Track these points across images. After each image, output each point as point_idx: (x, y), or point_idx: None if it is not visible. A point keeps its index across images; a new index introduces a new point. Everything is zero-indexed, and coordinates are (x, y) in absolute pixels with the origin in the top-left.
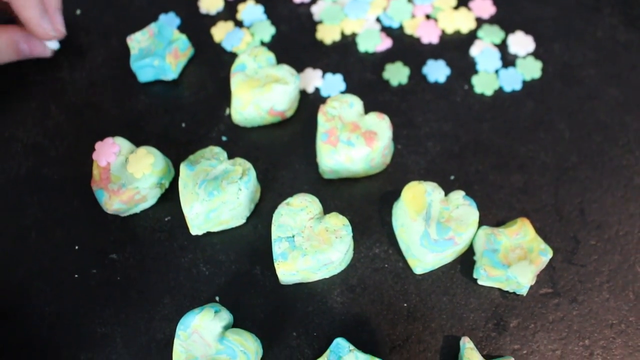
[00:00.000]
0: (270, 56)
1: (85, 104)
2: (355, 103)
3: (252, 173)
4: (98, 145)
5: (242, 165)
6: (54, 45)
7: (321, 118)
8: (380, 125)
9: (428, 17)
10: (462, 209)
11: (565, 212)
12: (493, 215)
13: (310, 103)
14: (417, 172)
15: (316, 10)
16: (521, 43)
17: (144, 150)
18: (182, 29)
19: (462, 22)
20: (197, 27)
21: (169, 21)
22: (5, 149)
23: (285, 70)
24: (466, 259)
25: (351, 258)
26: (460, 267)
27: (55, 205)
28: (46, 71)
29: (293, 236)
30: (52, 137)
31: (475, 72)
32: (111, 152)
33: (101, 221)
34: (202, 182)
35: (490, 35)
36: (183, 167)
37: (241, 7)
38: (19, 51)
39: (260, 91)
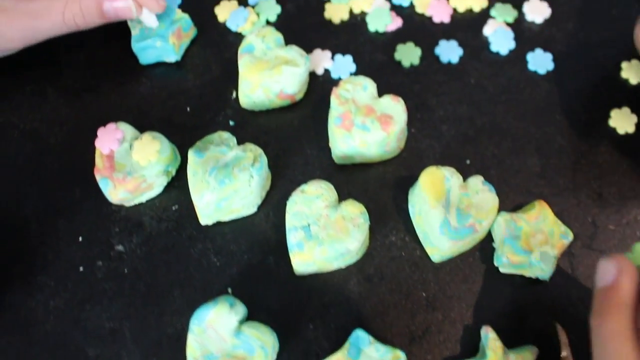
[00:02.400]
0: (279, 37)
1: (84, 87)
2: (368, 85)
3: (264, 159)
4: (100, 131)
5: (254, 152)
6: (153, 19)
7: (334, 101)
8: (396, 108)
9: None
10: (482, 194)
11: (583, 196)
12: (510, 200)
13: (320, 85)
14: (432, 157)
15: None
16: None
17: (149, 136)
18: (183, 7)
19: (474, 0)
20: (199, 5)
21: (169, 0)
22: (0, 136)
23: (295, 51)
24: (484, 245)
25: (367, 246)
26: (478, 254)
27: (57, 195)
28: (41, 53)
29: (308, 225)
30: (50, 122)
31: (489, 52)
32: (114, 138)
33: (105, 211)
34: (212, 170)
35: (503, 14)
36: (191, 154)
37: None
38: (102, 13)
39: (270, 74)
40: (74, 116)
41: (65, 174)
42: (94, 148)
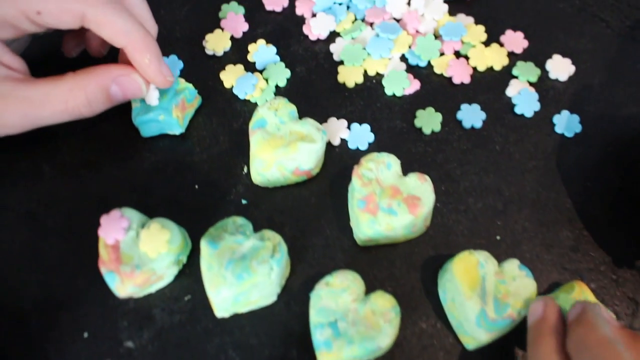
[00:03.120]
0: (293, 109)
1: (83, 164)
2: (392, 163)
3: (284, 248)
4: (104, 219)
5: (272, 240)
6: (154, 98)
7: (356, 182)
8: (423, 188)
9: (457, 53)
10: (519, 281)
11: (620, 271)
12: (544, 278)
13: (336, 157)
14: (459, 233)
15: (335, 50)
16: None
17: (157, 224)
18: (186, 73)
19: (495, 58)
20: (203, 71)
21: (171, 65)
22: None
23: (311, 125)
24: (520, 328)
25: (397, 336)
26: (513, 337)
27: (58, 285)
28: None
29: (336, 321)
30: (47, 204)
31: (514, 115)
32: (120, 227)
33: (112, 303)
34: (228, 263)
35: (526, 74)
36: (205, 245)
37: (252, 48)
38: (110, 97)
39: (285, 151)
40: (73, 196)
41: (66, 261)
42: (96, 231)
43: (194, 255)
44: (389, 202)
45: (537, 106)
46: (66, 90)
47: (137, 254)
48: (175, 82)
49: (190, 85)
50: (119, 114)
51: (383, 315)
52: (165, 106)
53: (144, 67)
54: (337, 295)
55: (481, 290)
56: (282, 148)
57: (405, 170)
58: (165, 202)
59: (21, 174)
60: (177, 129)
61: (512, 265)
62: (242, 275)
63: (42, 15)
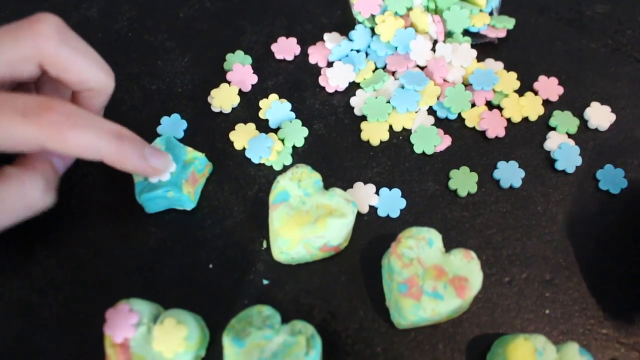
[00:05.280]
0: (317, 179)
1: (80, 242)
2: (434, 239)
3: (318, 342)
4: (110, 315)
5: (305, 333)
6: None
7: (396, 263)
8: (470, 267)
9: (489, 104)
10: None
11: None
12: (600, 354)
13: (365, 227)
14: (505, 308)
15: (356, 103)
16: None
17: (172, 319)
18: (190, 134)
19: (530, 108)
20: (210, 131)
21: (174, 125)
22: None
23: (339, 196)
24: None
25: None
26: None
27: None
28: None
29: None
30: (41, 290)
31: (554, 171)
32: (129, 323)
33: None
34: None
35: (565, 124)
36: (228, 342)
37: (263, 105)
38: (57, 170)
39: (312, 229)
40: (70, 280)
41: (66, 357)
42: (99, 321)
43: (212, 346)
44: (434, 285)
45: (578, 161)
46: (18, 184)
47: (151, 354)
48: (182, 152)
49: (200, 154)
50: (118, 184)
51: None
52: (174, 181)
53: (133, 172)
54: None
55: None
56: (309, 225)
57: (443, 238)
58: (176, 285)
59: (9, 256)
60: (189, 205)
61: (572, 351)
62: None
63: None
